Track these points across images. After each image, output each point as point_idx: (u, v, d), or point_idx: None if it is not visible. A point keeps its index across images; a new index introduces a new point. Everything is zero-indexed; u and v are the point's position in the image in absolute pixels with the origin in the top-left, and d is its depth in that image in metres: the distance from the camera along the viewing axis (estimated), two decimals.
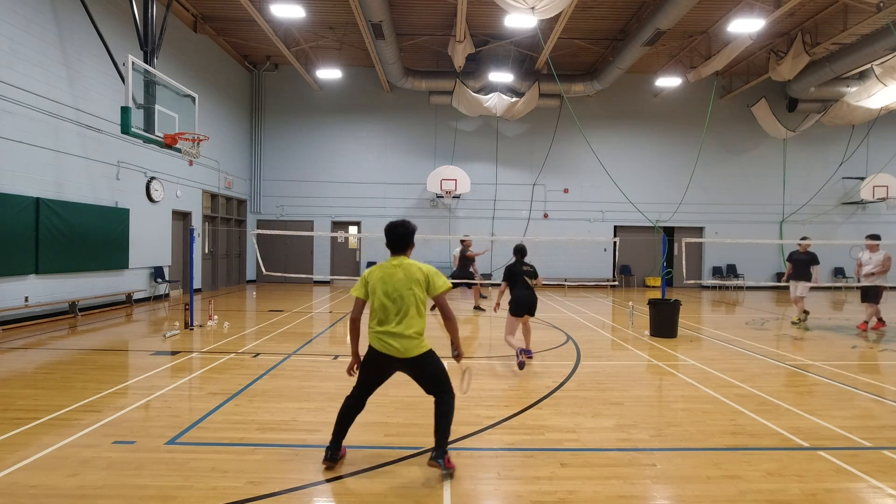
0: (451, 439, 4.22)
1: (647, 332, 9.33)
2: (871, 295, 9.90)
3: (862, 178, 20.21)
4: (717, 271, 20.54)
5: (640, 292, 18.61)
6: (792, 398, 5.55)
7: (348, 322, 3.88)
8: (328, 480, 3.55)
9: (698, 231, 20.76)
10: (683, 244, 11.65)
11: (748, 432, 4.53)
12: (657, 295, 11.20)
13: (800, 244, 10.75)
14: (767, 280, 19.81)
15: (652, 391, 5.88)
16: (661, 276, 16.11)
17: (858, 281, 10.25)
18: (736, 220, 20.41)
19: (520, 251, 7.24)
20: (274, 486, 3.43)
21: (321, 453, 3.97)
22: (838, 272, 20.38)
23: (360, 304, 3.80)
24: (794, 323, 10.76)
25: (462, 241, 12.69)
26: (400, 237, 3.82)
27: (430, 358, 3.74)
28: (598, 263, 20.44)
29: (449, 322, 3.81)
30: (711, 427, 4.65)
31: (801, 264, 10.63)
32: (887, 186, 19.26)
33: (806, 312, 10.59)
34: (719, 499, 3.36)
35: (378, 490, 3.41)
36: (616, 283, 20.19)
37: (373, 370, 3.76)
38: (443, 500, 3.30)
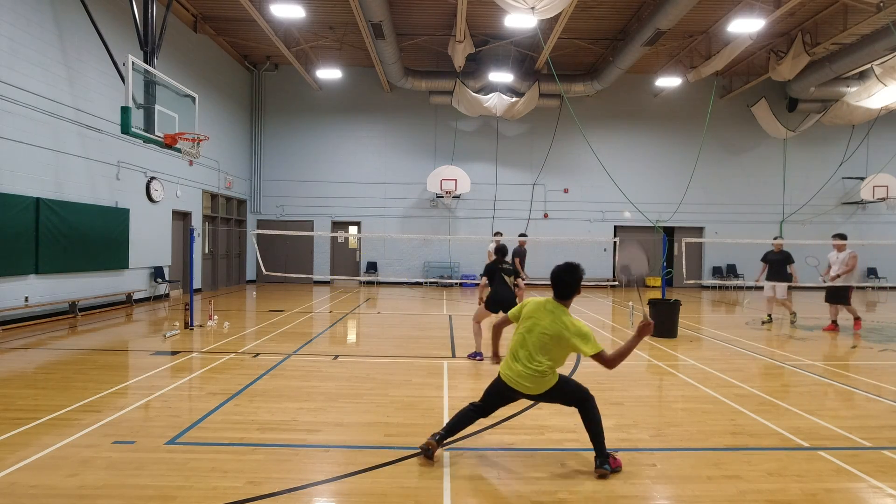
0: (451, 438, 4.23)
1: None
2: (840, 296, 9.82)
3: (862, 178, 20.21)
4: (717, 271, 20.54)
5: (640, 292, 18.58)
6: (792, 398, 5.55)
7: (493, 327, 4.25)
8: (328, 480, 3.55)
9: (698, 231, 20.76)
10: (683, 244, 11.65)
11: (748, 432, 4.53)
12: (657, 295, 11.20)
13: (773, 244, 10.69)
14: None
15: (652, 391, 5.88)
16: (661, 276, 16.11)
17: (824, 282, 10.21)
18: (736, 220, 20.41)
19: (500, 251, 7.41)
20: (274, 486, 3.43)
21: (321, 453, 3.99)
22: None
23: (505, 321, 4.12)
24: (763, 323, 10.77)
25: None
26: (567, 284, 3.79)
27: (555, 389, 3.75)
28: (598, 263, 20.42)
29: (610, 364, 3.68)
30: (711, 427, 4.65)
31: (777, 264, 10.54)
32: (887, 186, 19.26)
33: (769, 316, 10.51)
34: (719, 499, 3.35)
35: (378, 490, 3.41)
36: (616, 283, 20.18)
37: (499, 395, 3.91)
38: (443, 500, 3.30)
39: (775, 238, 10.79)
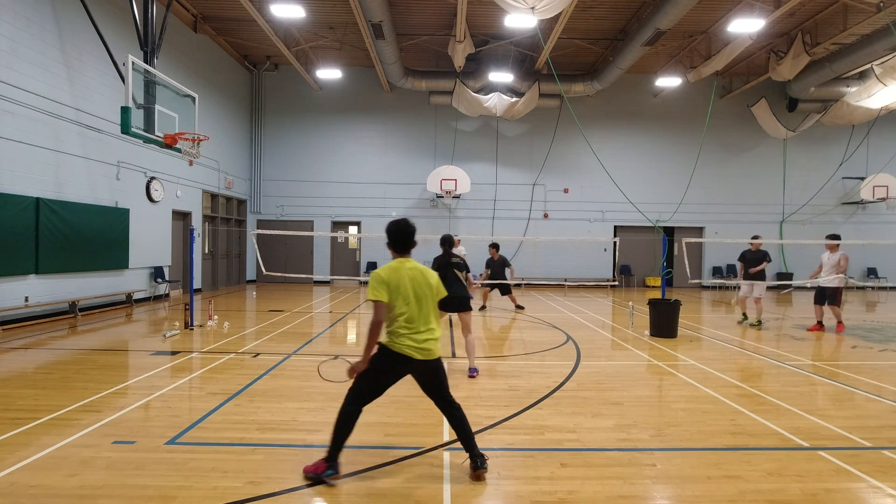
0: (450, 439, 4.24)
1: (647, 332, 9.33)
2: (830, 297, 9.76)
3: (862, 178, 20.21)
4: (717, 271, 20.54)
5: (640, 292, 18.61)
6: (792, 398, 5.55)
7: (372, 327, 3.50)
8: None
9: (698, 231, 20.76)
10: (683, 244, 11.65)
11: (748, 432, 4.53)
12: (657, 295, 11.20)
13: (751, 243, 10.68)
14: (767, 280, 19.79)
15: (652, 391, 5.88)
16: (661, 276, 16.11)
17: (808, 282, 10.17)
18: (736, 220, 20.40)
19: (446, 241, 6.85)
20: (274, 486, 3.43)
21: (321, 453, 3.97)
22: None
23: (383, 308, 3.53)
24: (739, 322, 10.77)
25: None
26: (410, 235, 3.75)
27: (441, 362, 3.75)
28: (598, 263, 20.43)
29: (468, 335, 3.80)
30: (711, 427, 4.65)
31: (754, 264, 10.53)
32: (887, 186, 19.27)
33: (759, 322, 10.51)
34: (719, 499, 3.35)
35: (378, 490, 3.41)
36: (616, 283, 20.19)
37: (390, 375, 3.65)
38: (443, 500, 3.30)
39: (754, 237, 10.77)
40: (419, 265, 3.73)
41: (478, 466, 3.55)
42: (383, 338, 3.65)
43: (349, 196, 20.03)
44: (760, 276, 10.50)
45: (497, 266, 12.28)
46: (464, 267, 6.83)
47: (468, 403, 5.25)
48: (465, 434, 3.63)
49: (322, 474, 3.49)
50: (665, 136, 20.54)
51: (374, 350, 3.63)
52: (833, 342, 8.97)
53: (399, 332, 3.56)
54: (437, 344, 3.65)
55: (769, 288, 10.33)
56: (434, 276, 3.75)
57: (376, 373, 3.61)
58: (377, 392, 3.68)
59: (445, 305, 6.53)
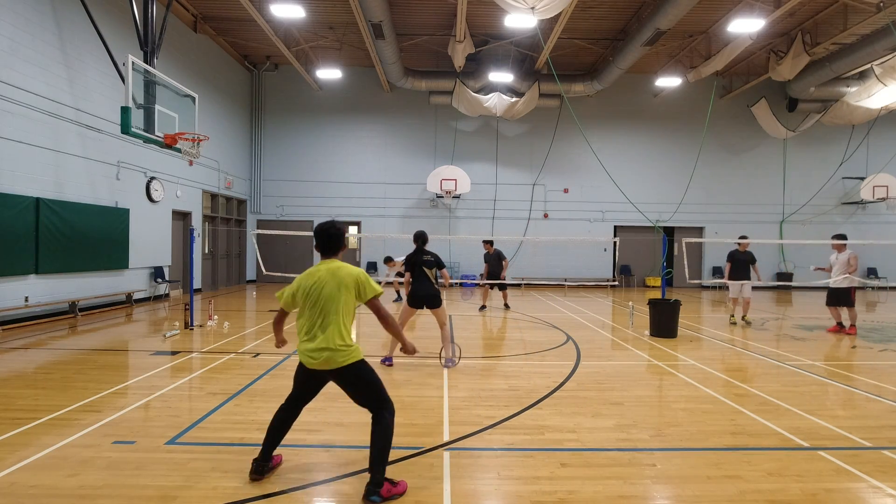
0: (450, 439, 4.24)
1: (647, 332, 9.33)
2: (843, 298, 9.67)
3: (862, 178, 20.21)
4: (717, 271, 20.53)
5: (640, 292, 18.61)
6: (792, 398, 5.55)
7: (272, 324, 3.86)
8: (328, 480, 3.55)
9: (698, 231, 20.76)
10: (683, 244, 11.65)
11: (748, 432, 4.53)
12: (657, 295, 11.20)
13: (739, 243, 10.73)
14: (767, 280, 19.80)
15: (652, 391, 5.88)
16: (661, 276, 16.10)
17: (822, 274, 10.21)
18: (736, 220, 20.40)
19: (419, 238, 6.94)
20: (274, 486, 3.43)
21: (321, 453, 3.99)
22: None
23: (282, 314, 3.80)
24: (732, 323, 10.79)
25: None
26: (332, 237, 3.56)
27: (360, 368, 3.45)
28: (598, 263, 20.43)
29: (386, 324, 3.58)
30: (711, 427, 4.65)
31: (742, 264, 10.59)
32: (887, 186, 19.26)
33: (747, 322, 10.59)
34: (719, 499, 3.35)
35: None
36: (616, 283, 20.19)
37: (303, 382, 3.56)
38: (443, 500, 3.30)
39: (742, 238, 10.81)
40: (338, 266, 3.49)
41: (367, 494, 3.22)
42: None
43: (349, 196, 20.03)
44: (748, 275, 10.61)
45: (494, 259, 12.58)
46: (434, 264, 6.92)
47: (469, 403, 5.27)
48: (373, 448, 3.31)
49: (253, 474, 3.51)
50: (665, 136, 20.54)
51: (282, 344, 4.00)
52: (833, 342, 8.96)
53: (300, 340, 3.51)
54: (332, 354, 3.35)
55: (769, 288, 10.31)
56: (354, 278, 3.46)
57: (296, 379, 3.61)
58: (303, 398, 3.64)
59: (416, 303, 6.83)
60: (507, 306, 12.98)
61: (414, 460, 3.86)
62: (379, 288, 3.57)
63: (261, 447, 3.56)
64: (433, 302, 6.83)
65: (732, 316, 11.06)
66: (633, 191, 18.95)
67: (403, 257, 9.21)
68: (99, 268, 11.47)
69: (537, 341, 8.75)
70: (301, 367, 3.53)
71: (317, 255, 3.75)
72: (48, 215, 9.91)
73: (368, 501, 3.20)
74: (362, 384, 3.47)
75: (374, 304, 3.54)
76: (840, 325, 9.92)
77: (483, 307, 12.74)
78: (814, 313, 12.04)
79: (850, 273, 9.57)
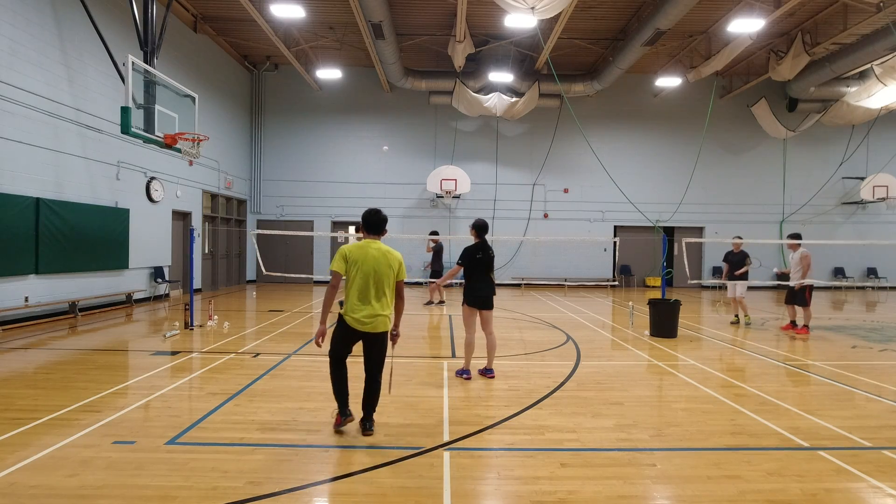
0: (450, 439, 4.26)
1: (647, 332, 9.33)
2: (798, 297, 9.69)
3: (862, 178, 20.21)
4: (717, 271, 20.52)
5: (640, 292, 18.61)
6: (792, 398, 5.55)
7: (327, 291, 4.37)
8: (328, 480, 3.55)
9: (698, 231, 20.76)
10: (683, 244, 11.65)
11: (748, 432, 4.53)
12: (657, 295, 11.20)
13: (733, 243, 10.81)
14: (767, 280, 19.80)
15: (652, 391, 5.88)
16: (661, 276, 16.10)
17: (777, 276, 10.43)
18: (736, 220, 20.39)
19: (484, 228, 6.33)
20: (274, 486, 3.43)
21: (321, 453, 3.99)
22: (838, 272, 20.40)
23: (338, 279, 4.32)
24: (733, 322, 10.82)
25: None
26: (382, 221, 4.45)
27: (387, 334, 4.36)
28: (598, 263, 20.43)
29: (401, 305, 4.44)
30: (711, 427, 4.65)
31: (736, 265, 10.69)
32: (887, 186, 19.26)
33: (737, 317, 10.63)
34: (719, 499, 3.36)
35: (378, 490, 3.41)
36: (616, 283, 20.19)
37: (348, 342, 4.35)
38: (443, 500, 3.30)
39: (736, 238, 10.88)
40: (386, 248, 4.33)
41: (366, 429, 4.31)
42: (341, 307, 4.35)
43: (349, 196, 20.02)
44: (743, 275, 10.67)
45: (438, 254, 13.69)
46: (492, 260, 6.46)
47: (469, 403, 5.27)
48: (369, 399, 4.36)
49: (338, 426, 4.35)
50: (665, 136, 20.54)
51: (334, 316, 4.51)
52: (833, 342, 8.96)
53: (350, 304, 4.26)
54: (378, 319, 4.21)
55: (769, 288, 10.31)
56: (398, 260, 4.32)
57: (341, 338, 4.35)
58: (345, 354, 4.40)
59: (479, 303, 6.28)
60: (441, 302, 13.71)
61: (414, 460, 3.87)
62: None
63: (338, 409, 4.37)
64: (490, 303, 6.24)
65: (736, 316, 11.02)
66: (633, 191, 18.95)
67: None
68: (99, 268, 11.46)
69: (537, 341, 8.75)
70: (344, 329, 4.29)
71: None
72: (48, 215, 9.91)
73: (369, 432, 4.29)
74: (384, 348, 4.38)
75: (401, 286, 4.41)
76: (793, 323, 9.99)
77: (441, 302, 13.56)
78: (814, 313, 11.99)
79: (804, 272, 9.60)
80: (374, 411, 4.41)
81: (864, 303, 15.78)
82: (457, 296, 15.85)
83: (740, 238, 10.86)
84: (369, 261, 4.22)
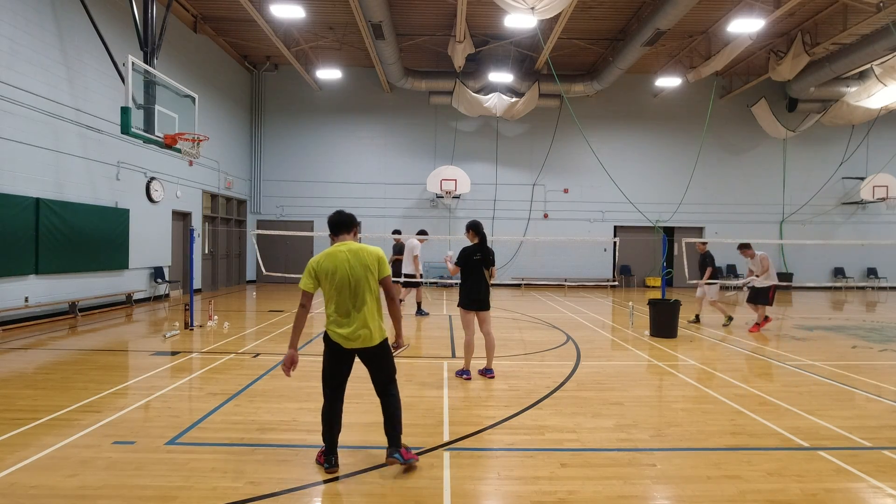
0: (450, 439, 4.25)
1: (647, 332, 9.33)
2: (762, 296, 9.88)
3: (862, 178, 20.21)
4: (716, 271, 20.53)
5: (640, 292, 18.60)
6: (792, 398, 5.55)
7: (297, 313, 3.63)
8: (328, 481, 3.55)
9: (698, 231, 20.75)
10: (683, 244, 11.66)
11: (748, 432, 4.53)
12: (657, 295, 11.20)
13: (698, 246, 10.93)
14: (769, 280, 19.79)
15: (652, 391, 5.88)
16: (661, 276, 16.10)
17: (745, 287, 10.55)
18: (736, 220, 20.40)
19: (481, 228, 6.20)
20: (274, 486, 3.43)
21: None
22: (838, 272, 20.40)
23: (309, 298, 3.63)
24: (724, 325, 10.80)
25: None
26: (348, 217, 3.80)
27: (386, 344, 3.76)
28: (598, 263, 20.43)
29: (393, 306, 3.78)
30: (711, 427, 4.65)
31: (702, 267, 10.85)
32: (887, 186, 19.26)
33: (697, 316, 10.81)
34: (719, 499, 3.35)
35: (378, 490, 3.41)
36: (616, 283, 20.19)
37: (340, 365, 3.68)
38: (443, 500, 3.30)
39: (701, 242, 11.06)
40: (357, 247, 3.67)
41: (392, 457, 3.63)
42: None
43: (349, 196, 20.01)
44: (712, 277, 10.84)
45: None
46: (492, 262, 6.36)
47: (469, 403, 5.27)
48: (391, 422, 3.68)
49: (321, 463, 3.72)
50: (665, 136, 20.53)
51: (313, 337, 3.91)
52: (833, 342, 8.96)
53: (330, 321, 3.65)
54: (368, 331, 3.59)
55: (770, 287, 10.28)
56: (374, 256, 3.65)
57: (331, 364, 3.70)
58: (341, 382, 3.73)
59: (476, 305, 6.13)
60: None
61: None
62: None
63: (324, 452, 3.73)
64: (486, 304, 6.22)
65: (696, 316, 11.24)
66: (633, 191, 18.95)
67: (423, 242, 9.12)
68: (99, 268, 11.46)
69: (537, 341, 8.75)
70: (333, 350, 3.66)
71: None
72: (48, 215, 9.91)
73: (392, 458, 3.61)
74: (387, 359, 3.75)
75: (386, 283, 3.72)
76: (758, 324, 10.07)
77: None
78: (814, 313, 12.03)
79: (764, 272, 9.80)
80: (401, 433, 3.69)
81: (864, 303, 15.78)
82: (454, 297, 15.85)
83: (705, 242, 11.06)
84: (341, 268, 3.57)
